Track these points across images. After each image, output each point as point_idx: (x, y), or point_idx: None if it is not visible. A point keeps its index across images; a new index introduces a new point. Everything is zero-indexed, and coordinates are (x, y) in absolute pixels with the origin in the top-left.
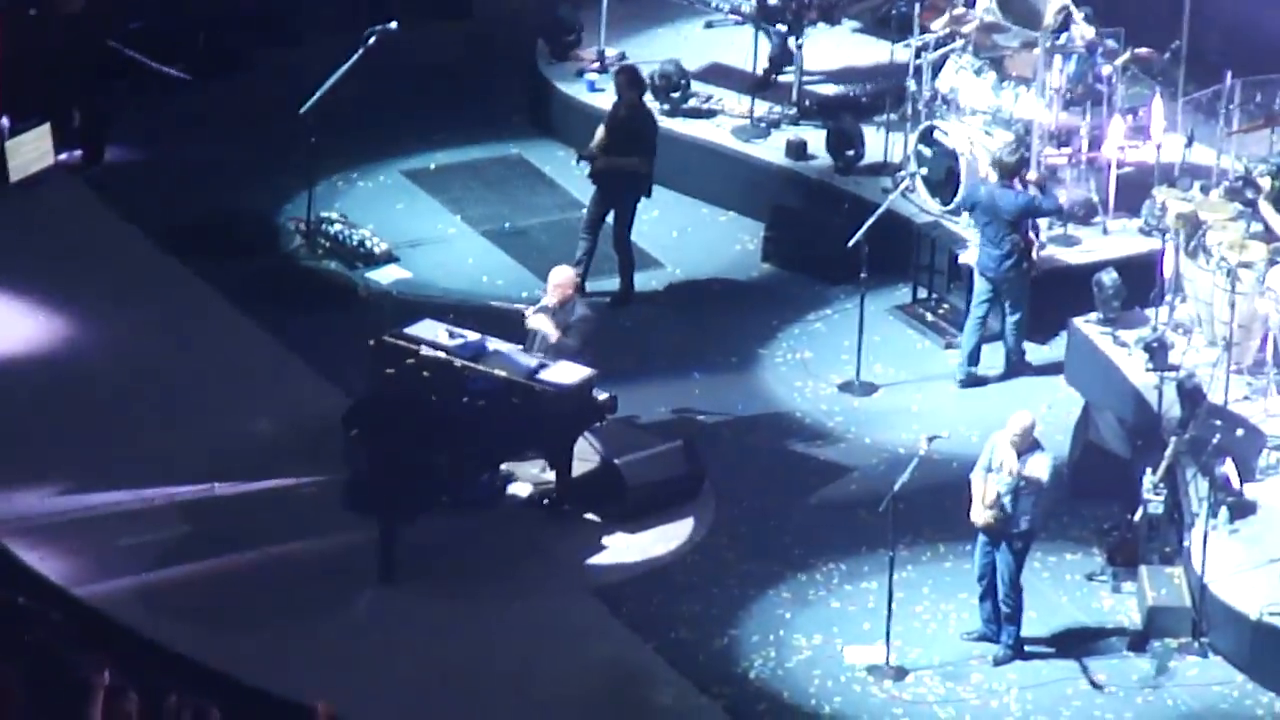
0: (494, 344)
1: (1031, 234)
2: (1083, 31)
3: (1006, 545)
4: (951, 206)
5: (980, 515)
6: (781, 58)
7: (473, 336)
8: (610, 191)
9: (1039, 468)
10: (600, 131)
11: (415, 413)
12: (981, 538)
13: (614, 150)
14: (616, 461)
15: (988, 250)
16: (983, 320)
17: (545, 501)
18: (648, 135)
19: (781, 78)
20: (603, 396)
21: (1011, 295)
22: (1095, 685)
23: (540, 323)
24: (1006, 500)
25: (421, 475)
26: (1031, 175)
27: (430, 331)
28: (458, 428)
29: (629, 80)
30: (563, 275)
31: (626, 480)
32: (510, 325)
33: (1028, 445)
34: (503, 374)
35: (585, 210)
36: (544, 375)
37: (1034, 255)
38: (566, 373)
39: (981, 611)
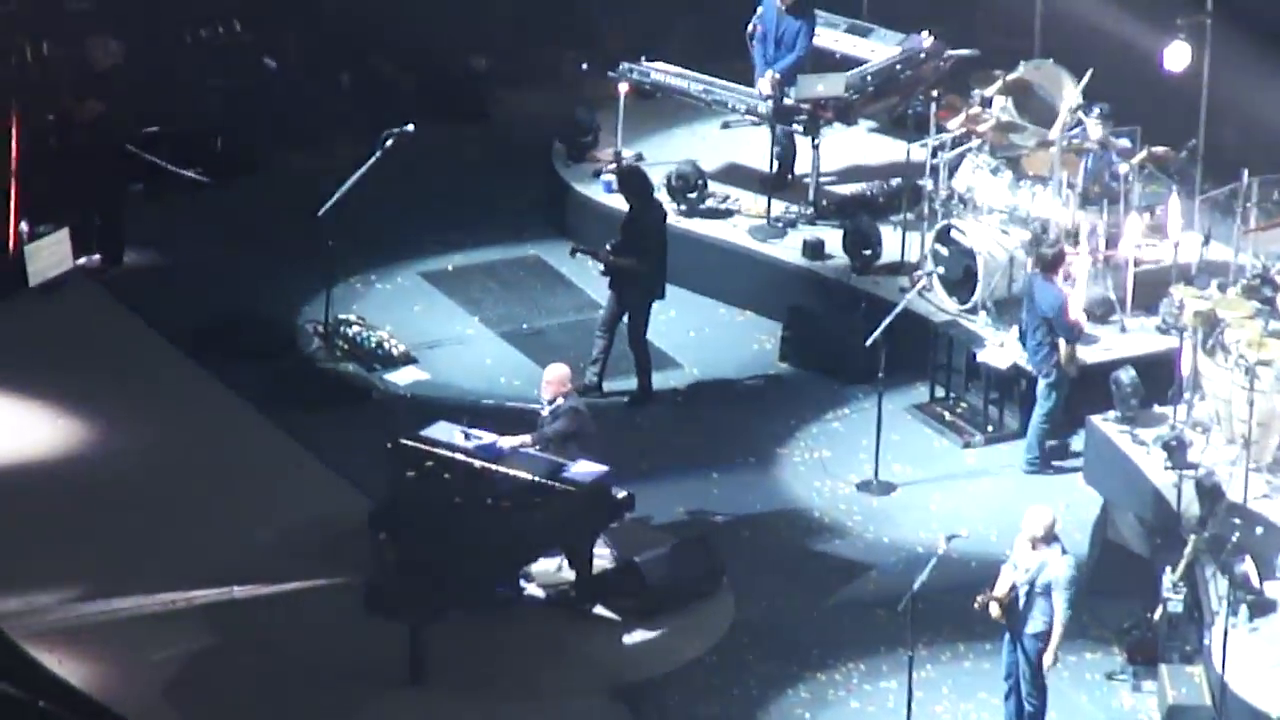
0: (510, 443)
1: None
2: (1094, 130)
3: (1025, 644)
4: (969, 305)
5: (994, 609)
6: (786, 157)
7: (488, 437)
8: (620, 291)
9: (1057, 566)
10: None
11: (440, 515)
12: (1008, 637)
13: (619, 250)
14: (636, 559)
15: (1027, 341)
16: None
17: (566, 600)
18: (648, 236)
19: (797, 177)
20: (621, 494)
21: (1043, 388)
22: None
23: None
24: (1022, 596)
25: (452, 577)
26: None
27: (446, 433)
28: (484, 529)
29: (623, 180)
30: (555, 373)
31: (646, 578)
32: (525, 424)
33: (1046, 541)
34: (524, 475)
35: (601, 310)
36: (564, 474)
37: (1071, 354)
38: (584, 470)
39: (1005, 710)
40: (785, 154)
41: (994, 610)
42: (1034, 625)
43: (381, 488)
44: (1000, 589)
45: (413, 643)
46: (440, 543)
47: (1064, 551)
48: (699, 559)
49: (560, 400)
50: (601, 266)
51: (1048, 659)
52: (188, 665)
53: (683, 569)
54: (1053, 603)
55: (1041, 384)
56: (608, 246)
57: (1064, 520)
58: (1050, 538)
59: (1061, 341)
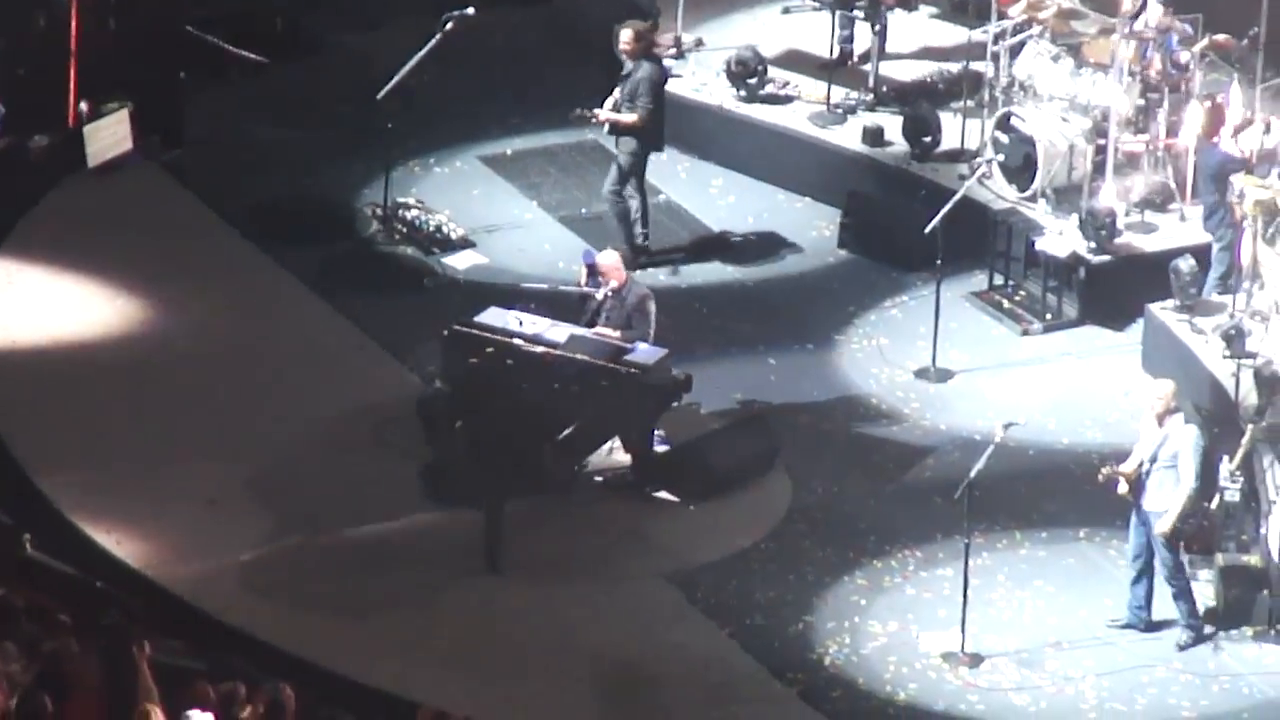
0: (567, 329)
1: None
2: (1158, 17)
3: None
4: (1029, 193)
5: (1122, 485)
6: (847, 42)
7: (543, 322)
8: (620, 144)
9: (1181, 436)
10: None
11: (509, 401)
12: (1135, 518)
13: (622, 107)
14: (697, 440)
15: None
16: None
17: (625, 483)
18: (650, 92)
19: (856, 63)
20: (680, 375)
21: (1216, 252)
22: (1171, 672)
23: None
24: (1149, 470)
25: (530, 463)
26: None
27: (500, 319)
28: (556, 414)
29: (632, 37)
30: (611, 259)
31: (708, 457)
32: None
33: (1168, 414)
34: (588, 359)
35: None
36: (627, 357)
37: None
38: (645, 354)
39: (1131, 597)
40: (846, 40)
41: (1122, 487)
42: (1163, 502)
43: (435, 372)
44: (1128, 466)
45: (490, 530)
46: (510, 429)
47: (1186, 421)
48: (757, 437)
49: (616, 284)
50: (605, 128)
51: (1164, 524)
52: (240, 543)
53: (741, 448)
54: (1180, 472)
55: (1215, 248)
56: (610, 104)
57: (1122, 408)
58: (1172, 410)
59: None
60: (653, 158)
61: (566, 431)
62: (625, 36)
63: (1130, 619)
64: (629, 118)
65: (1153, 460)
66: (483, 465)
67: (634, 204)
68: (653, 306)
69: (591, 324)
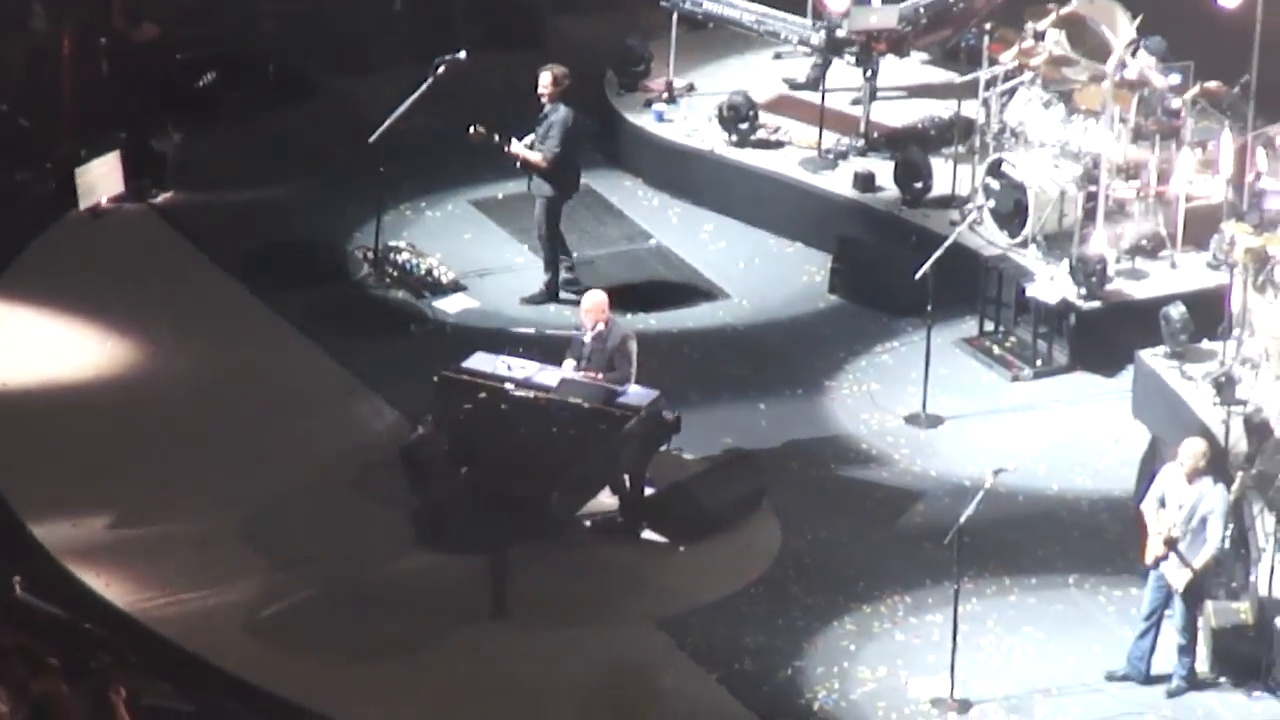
0: (556, 372)
1: None
2: (1147, 65)
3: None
4: (1020, 239)
5: (1155, 551)
6: (816, 83)
7: (531, 366)
8: (533, 188)
9: (1214, 496)
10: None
11: (513, 446)
12: (1155, 573)
13: (532, 147)
14: (686, 481)
15: None
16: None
17: (613, 526)
18: (555, 134)
19: (851, 109)
20: (670, 416)
21: None
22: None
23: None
24: (1181, 530)
25: (535, 507)
26: None
27: (488, 364)
28: (558, 458)
29: (555, 79)
30: (595, 299)
31: (697, 497)
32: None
33: (1203, 473)
34: (582, 402)
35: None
36: (620, 399)
37: None
38: (638, 395)
39: (1134, 649)
40: (819, 67)
41: (1159, 550)
42: (1192, 557)
43: (420, 417)
44: (1165, 532)
45: (495, 576)
46: (515, 474)
47: (1215, 482)
48: (745, 476)
49: (601, 326)
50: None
51: (1180, 580)
52: (237, 590)
53: (729, 487)
54: (1208, 532)
55: None
56: (527, 140)
57: (1112, 455)
58: (1201, 470)
59: None
60: (641, 200)
61: (575, 474)
62: (544, 80)
63: (1129, 670)
64: (534, 156)
65: (1189, 518)
66: (489, 510)
67: (545, 250)
68: (634, 347)
69: (575, 365)
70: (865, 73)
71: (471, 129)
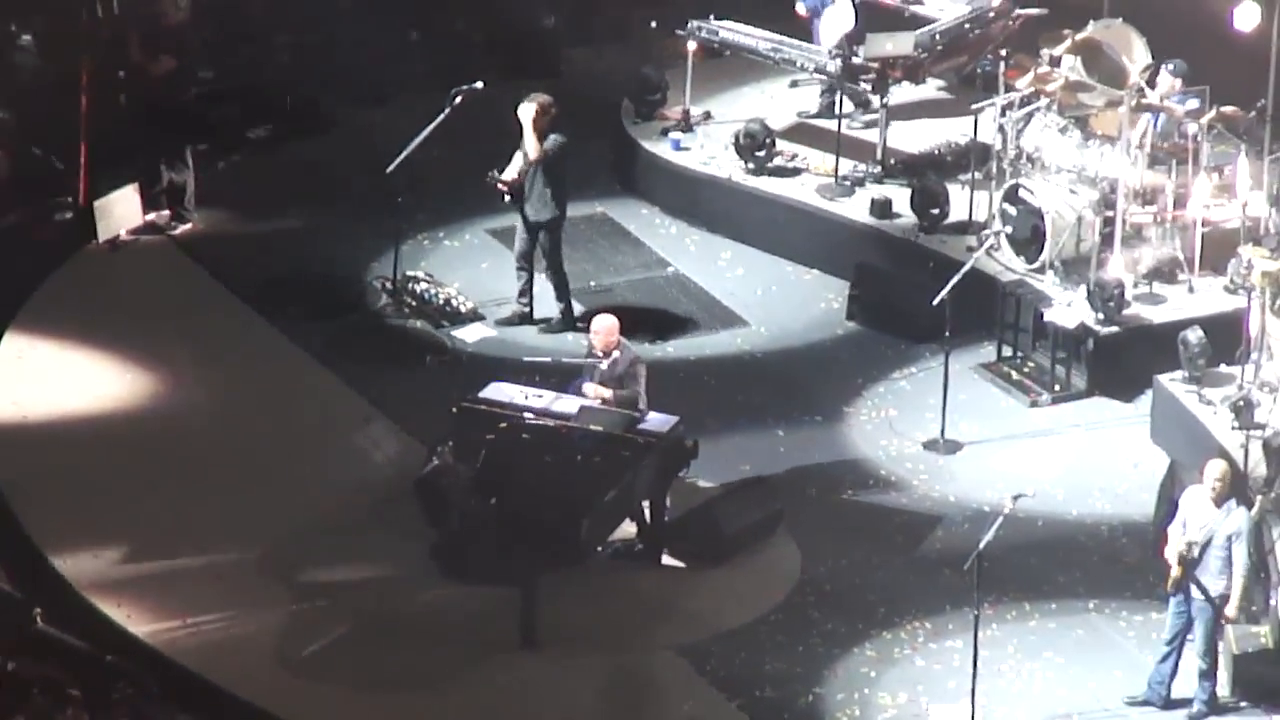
0: (574, 400)
1: None
2: (1164, 91)
3: (1207, 603)
4: (1037, 265)
5: (1176, 575)
6: (829, 111)
7: (548, 395)
8: (528, 218)
9: (1237, 518)
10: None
11: (541, 476)
12: (1175, 598)
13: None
14: (704, 505)
15: None
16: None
17: (632, 552)
18: (557, 165)
19: (867, 135)
20: (688, 442)
21: None
22: None
23: (598, 391)
24: (1203, 552)
25: (566, 536)
26: None
27: (504, 394)
28: (585, 486)
29: (543, 109)
30: (606, 323)
31: (715, 522)
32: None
33: (1227, 496)
34: (603, 430)
35: (517, 243)
36: (641, 426)
37: None
38: (658, 421)
39: (1155, 674)
40: (828, 91)
41: (1176, 573)
42: (1215, 581)
43: (436, 449)
44: (1183, 554)
45: (526, 605)
46: (546, 503)
47: (1238, 504)
48: (761, 499)
49: (617, 353)
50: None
51: (1231, 611)
52: (258, 621)
53: (746, 511)
54: (1233, 555)
55: None
56: (511, 174)
57: (1131, 480)
58: (1231, 491)
59: None
60: (657, 228)
61: (606, 501)
62: (527, 112)
63: (1149, 695)
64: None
65: (1207, 544)
66: (519, 540)
67: (525, 275)
68: (643, 370)
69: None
70: (881, 99)
71: (493, 175)
